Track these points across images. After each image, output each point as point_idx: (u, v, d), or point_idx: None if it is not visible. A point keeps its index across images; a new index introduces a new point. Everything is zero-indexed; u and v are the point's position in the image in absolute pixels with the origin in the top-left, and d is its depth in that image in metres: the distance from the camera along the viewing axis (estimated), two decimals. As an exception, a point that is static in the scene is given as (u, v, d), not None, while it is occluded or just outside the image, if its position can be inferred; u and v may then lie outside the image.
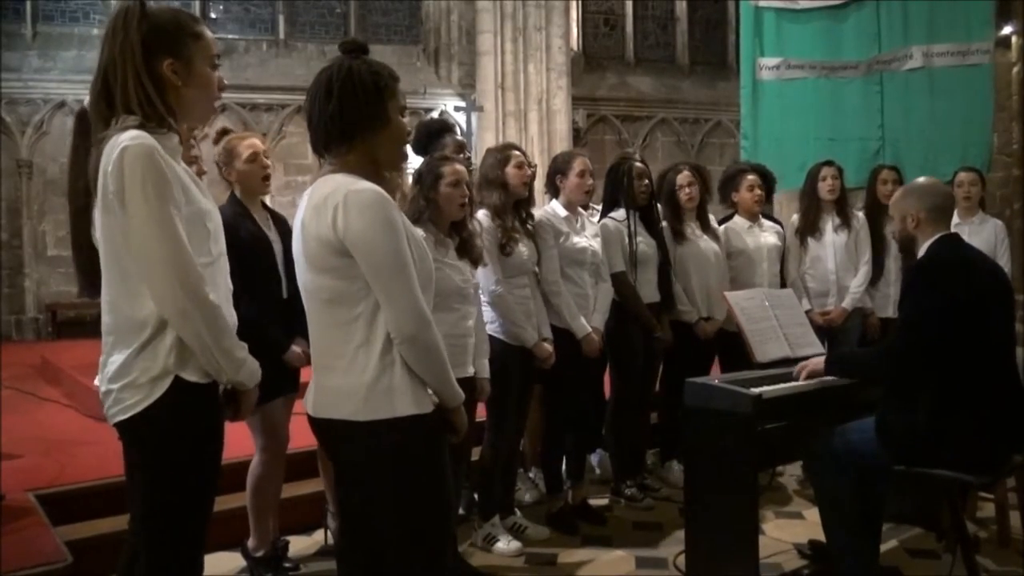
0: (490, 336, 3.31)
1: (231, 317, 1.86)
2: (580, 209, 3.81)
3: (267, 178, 3.09)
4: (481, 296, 3.28)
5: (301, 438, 3.15)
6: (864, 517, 2.78)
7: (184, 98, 1.82)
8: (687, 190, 4.15)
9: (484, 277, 3.31)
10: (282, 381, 3.00)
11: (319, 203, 1.78)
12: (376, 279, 1.76)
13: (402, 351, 1.78)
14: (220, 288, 1.83)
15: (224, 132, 3.14)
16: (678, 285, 4.13)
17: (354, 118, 1.82)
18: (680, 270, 4.14)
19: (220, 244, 1.87)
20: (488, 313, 3.37)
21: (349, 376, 1.79)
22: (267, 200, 3.17)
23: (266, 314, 2.86)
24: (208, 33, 1.86)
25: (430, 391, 1.85)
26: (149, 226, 1.67)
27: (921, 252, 2.77)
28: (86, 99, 1.86)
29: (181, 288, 1.68)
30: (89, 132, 1.81)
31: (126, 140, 1.68)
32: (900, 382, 2.69)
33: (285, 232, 3.09)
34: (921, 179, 2.99)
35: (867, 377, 2.90)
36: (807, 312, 4.06)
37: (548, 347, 3.48)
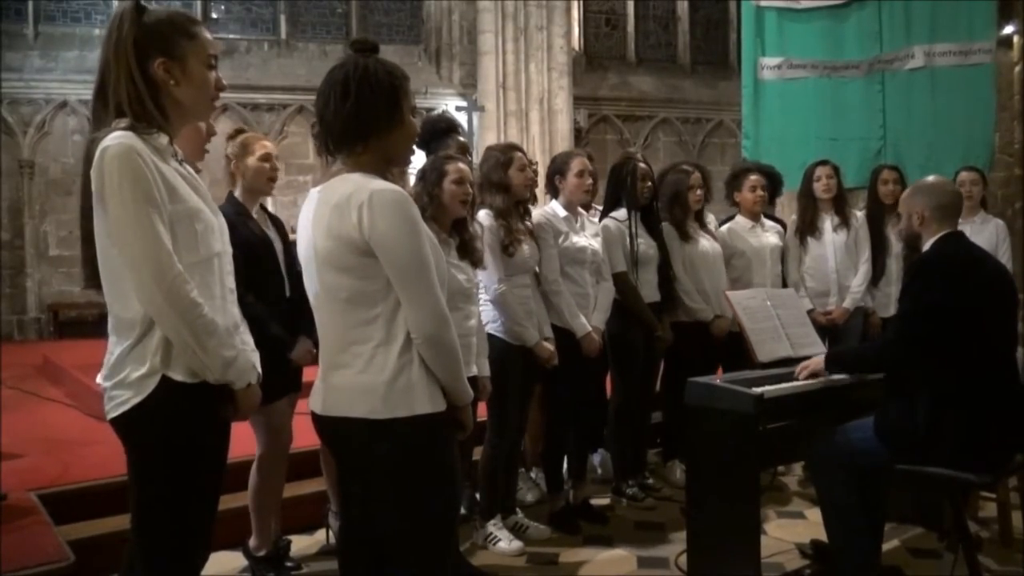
0: (491, 335, 3.32)
1: (228, 316, 1.86)
2: (580, 209, 3.81)
3: (273, 180, 3.11)
4: (481, 295, 3.29)
5: (302, 438, 3.16)
6: (866, 516, 2.78)
7: (177, 98, 1.82)
8: (698, 192, 4.16)
9: (486, 276, 3.31)
10: (287, 381, 3.00)
11: (341, 202, 1.77)
12: (400, 279, 1.76)
13: (422, 350, 1.79)
14: (213, 287, 1.82)
15: (239, 131, 3.18)
16: (690, 284, 4.13)
17: (372, 117, 1.82)
18: (690, 269, 4.14)
19: (213, 244, 1.85)
20: (489, 312, 3.37)
21: (366, 375, 1.79)
22: (268, 200, 3.18)
23: (271, 313, 2.87)
24: (204, 33, 1.85)
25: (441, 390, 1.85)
26: (126, 224, 1.69)
27: (925, 247, 2.77)
28: None
29: (157, 286, 1.69)
30: None
31: (107, 140, 1.70)
32: (899, 379, 2.69)
33: (282, 233, 3.13)
34: (931, 178, 2.97)
35: (864, 371, 2.91)
36: (809, 312, 4.06)
37: (549, 347, 3.48)
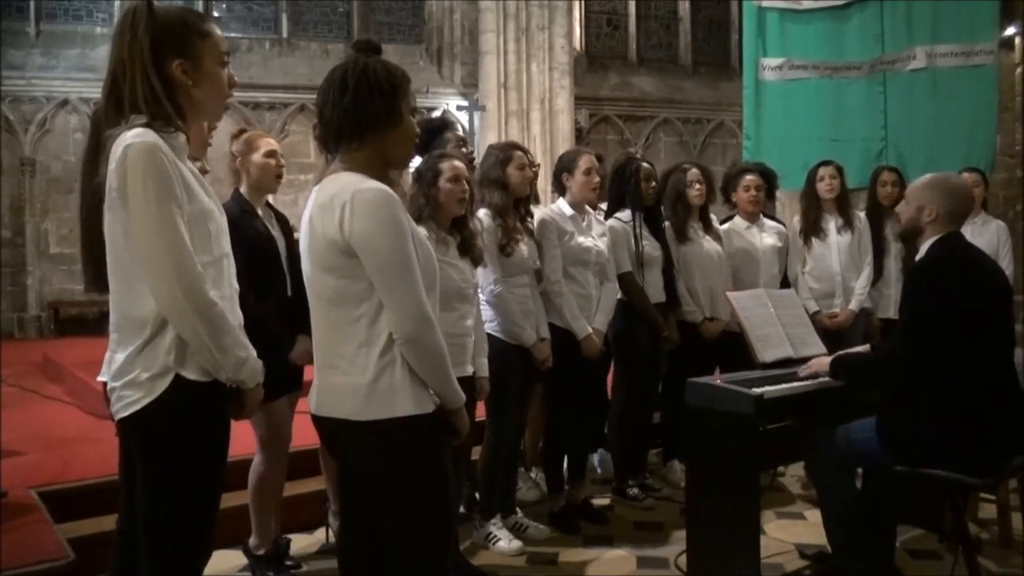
0: (490, 335, 3.32)
1: (235, 316, 1.86)
2: (588, 208, 3.80)
3: (280, 176, 3.12)
4: (480, 295, 3.28)
5: (302, 437, 3.16)
6: (868, 517, 2.78)
7: (194, 98, 1.81)
8: (698, 187, 4.16)
9: (483, 276, 3.31)
10: (286, 380, 3.00)
11: (326, 202, 1.78)
12: (380, 279, 1.76)
13: (403, 351, 1.78)
14: (223, 288, 1.83)
15: (243, 131, 3.18)
16: (682, 285, 4.13)
17: (368, 114, 1.82)
18: (684, 270, 4.15)
19: (223, 244, 1.86)
20: (487, 312, 3.37)
21: (350, 375, 1.80)
22: (270, 198, 3.19)
23: (272, 312, 2.88)
24: (216, 31, 1.86)
25: (431, 391, 1.85)
26: (149, 222, 1.67)
27: (923, 249, 2.75)
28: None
29: (179, 285, 1.68)
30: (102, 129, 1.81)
31: (130, 137, 1.68)
32: (901, 385, 2.68)
33: (287, 231, 3.12)
34: (952, 176, 2.92)
35: (869, 378, 2.89)
36: (814, 314, 4.06)
37: (546, 348, 3.48)
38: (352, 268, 1.77)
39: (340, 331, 1.81)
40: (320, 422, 1.89)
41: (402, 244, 1.77)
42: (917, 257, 2.79)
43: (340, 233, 1.74)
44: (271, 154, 3.07)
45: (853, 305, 4.37)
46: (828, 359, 2.93)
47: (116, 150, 1.69)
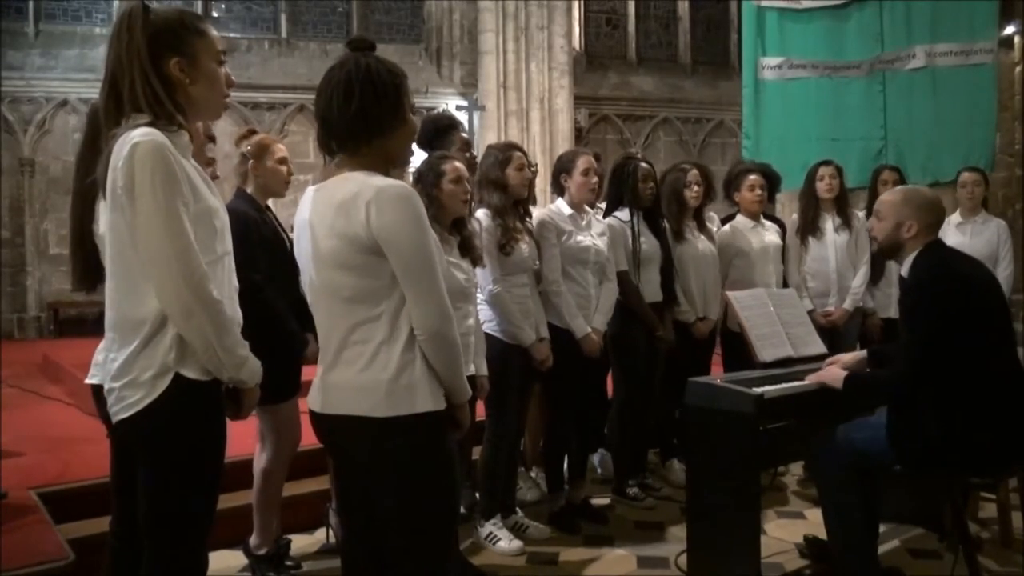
0: (489, 335, 3.32)
1: (235, 314, 1.86)
2: (587, 207, 3.80)
3: (288, 183, 3.15)
4: (478, 295, 3.29)
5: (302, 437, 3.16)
6: (866, 516, 2.78)
7: (193, 96, 1.82)
8: (696, 188, 4.16)
9: (482, 276, 3.31)
10: (298, 380, 3.02)
11: (346, 201, 1.76)
12: (406, 274, 1.76)
13: (425, 346, 1.79)
14: (224, 287, 1.83)
15: (252, 132, 3.20)
16: (678, 285, 4.13)
17: (376, 116, 1.82)
18: (679, 270, 4.14)
19: (226, 243, 1.86)
20: (486, 312, 3.37)
21: (368, 373, 1.79)
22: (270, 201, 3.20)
23: (291, 312, 2.88)
24: (212, 30, 1.86)
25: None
26: (156, 221, 1.67)
27: (907, 263, 2.76)
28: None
29: (185, 284, 1.68)
30: (100, 128, 1.81)
31: (137, 136, 1.68)
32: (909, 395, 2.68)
33: (284, 231, 3.14)
34: (923, 189, 2.97)
35: (881, 399, 2.87)
36: (809, 312, 4.06)
37: (545, 348, 3.48)
38: (375, 266, 1.76)
39: (358, 329, 1.80)
40: (326, 420, 1.88)
41: (427, 239, 1.78)
42: (903, 271, 2.81)
43: (367, 229, 1.73)
44: (283, 161, 3.11)
45: (848, 304, 4.38)
46: (840, 374, 2.88)
47: (122, 149, 1.69)
